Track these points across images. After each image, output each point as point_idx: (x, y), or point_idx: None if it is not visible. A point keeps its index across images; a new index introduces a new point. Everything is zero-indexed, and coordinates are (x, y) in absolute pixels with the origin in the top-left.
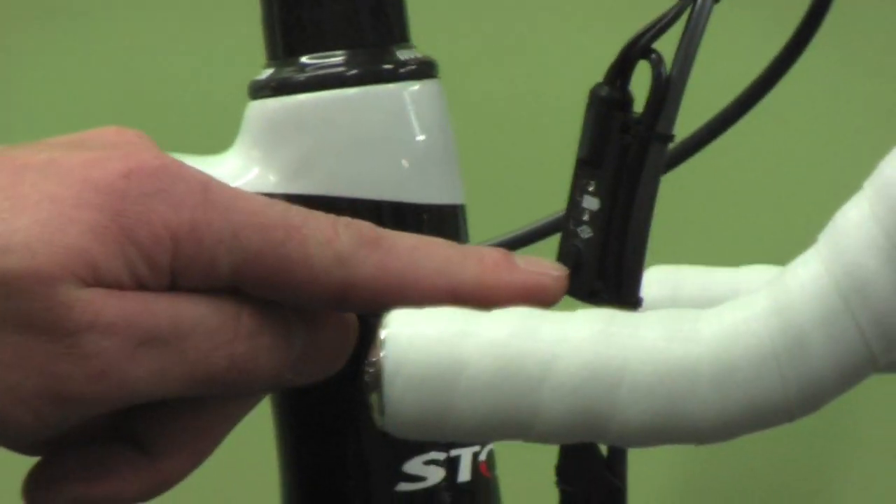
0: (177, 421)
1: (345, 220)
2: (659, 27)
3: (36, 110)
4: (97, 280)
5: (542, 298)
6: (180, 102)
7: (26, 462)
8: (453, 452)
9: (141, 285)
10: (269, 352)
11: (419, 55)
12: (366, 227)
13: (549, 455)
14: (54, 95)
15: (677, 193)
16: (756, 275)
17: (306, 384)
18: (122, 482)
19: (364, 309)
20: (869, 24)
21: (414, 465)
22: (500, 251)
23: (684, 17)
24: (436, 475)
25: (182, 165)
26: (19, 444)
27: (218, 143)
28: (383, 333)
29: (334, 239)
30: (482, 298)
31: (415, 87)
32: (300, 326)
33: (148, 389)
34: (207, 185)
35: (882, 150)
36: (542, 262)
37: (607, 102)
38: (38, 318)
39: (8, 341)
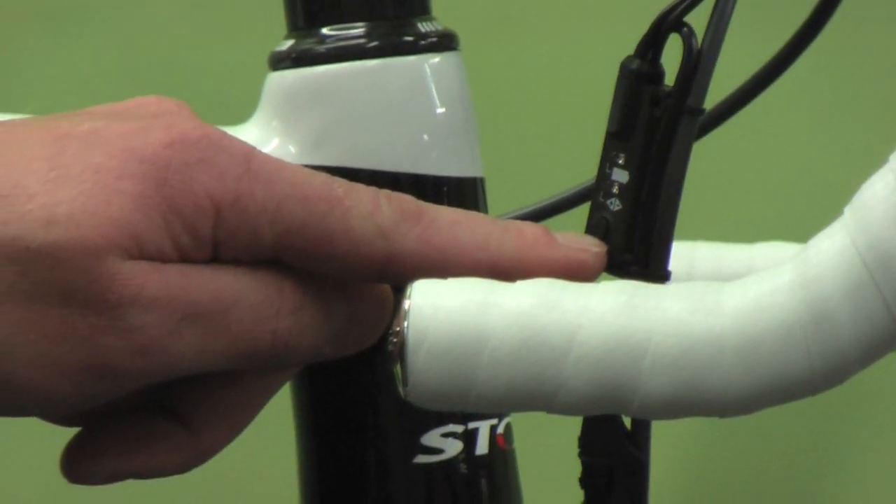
0: (215, 393)
1: (386, 193)
2: (691, 0)
3: (41, 87)
4: (141, 252)
5: (581, 274)
6: (198, 74)
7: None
8: (471, 425)
9: (183, 256)
10: (311, 326)
11: (440, 27)
12: (407, 201)
13: (565, 428)
14: (62, 64)
15: (693, 170)
16: (771, 251)
17: (343, 356)
18: (160, 455)
19: (404, 282)
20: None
21: (432, 438)
22: (540, 226)
23: None
24: (453, 448)
25: (224, 135)
26: (58, 416)
27: (235, 113)
28: (407, 304)
29: (376, 211)
30: (522, 273)
31: (435, 59)
32: (339, 300)
33: (190, 363)
34: (251, 156)
35: None
36: (581, 238)
37: (638, 75)
38: (82, 291)
39: (52, 314)
